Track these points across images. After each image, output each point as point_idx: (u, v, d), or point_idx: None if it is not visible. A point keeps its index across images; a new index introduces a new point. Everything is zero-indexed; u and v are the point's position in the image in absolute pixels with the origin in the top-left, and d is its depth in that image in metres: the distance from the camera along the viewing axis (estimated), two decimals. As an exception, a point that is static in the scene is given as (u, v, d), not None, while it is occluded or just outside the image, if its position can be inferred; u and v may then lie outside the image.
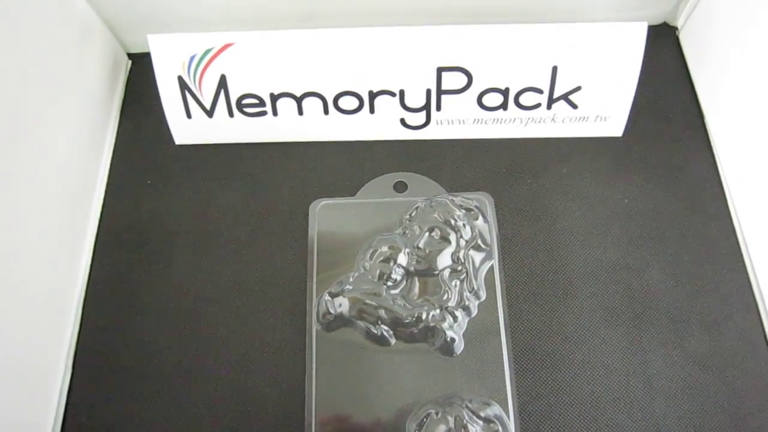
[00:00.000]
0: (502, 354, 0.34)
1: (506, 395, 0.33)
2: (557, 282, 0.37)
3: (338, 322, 0.35)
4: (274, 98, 0.39)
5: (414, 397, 0.33)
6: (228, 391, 0.34)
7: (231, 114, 0.40)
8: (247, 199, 0.40)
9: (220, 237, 0.39)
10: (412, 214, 0.37)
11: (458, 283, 0.35)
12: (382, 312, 0.34)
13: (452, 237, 0.36)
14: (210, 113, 0.40)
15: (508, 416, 0.33)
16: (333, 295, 0.35)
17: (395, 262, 0.35)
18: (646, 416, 0.33)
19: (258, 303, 0.37)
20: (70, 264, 0.37)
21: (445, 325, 0.34)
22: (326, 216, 0.38)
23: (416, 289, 0.35)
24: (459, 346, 0.34)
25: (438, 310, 0.34)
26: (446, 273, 0.35)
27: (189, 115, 0.40)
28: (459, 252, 0.36)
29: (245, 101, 0.39)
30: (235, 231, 0.39)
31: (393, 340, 0.34)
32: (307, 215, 0.39)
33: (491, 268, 0.36)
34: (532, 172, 0.40)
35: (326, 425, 0.33)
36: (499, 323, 0.35)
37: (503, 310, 0.35)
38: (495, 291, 0.36)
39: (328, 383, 0.34)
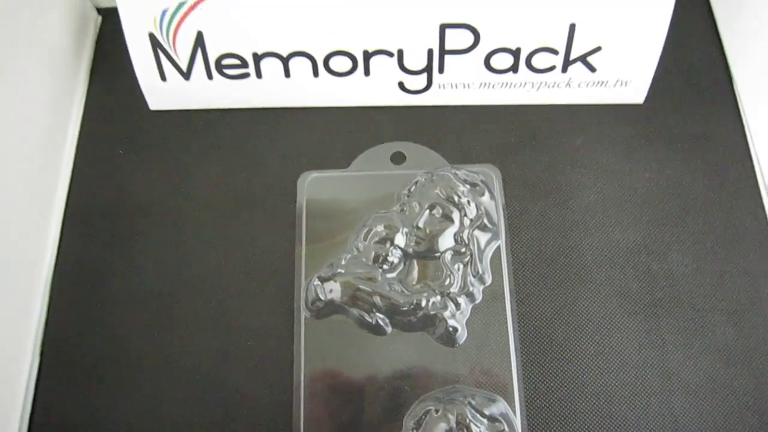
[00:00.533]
0: (508, 344, 0.33)
1: (512, 389, 0.32)
2: (570, 265, 0.36)
3: (329, 309, 0.33)
4: (258, 58, 0.37)
5: (411, 391, 0.32)
6: (209, 382, 0.33)
7: (210, 76, 0.38)
8: (229, 171, 0.38)
9: (199, 213, 0.37)
10: (411, 190, 0.36)
11: (461, 266, 0.34)
12: (377, 298, 0.33)
13: (455, 215, 0.35)
14: (186, 75, 0.38)
15: (514, 411, 0.32)
16: (323, 280, 0.33)
17: (392, 243, 0.34)
18: (664, 412, 0.32)
19: (241, 287, 0.35)
20: (35, 244, 0.35)
21: (447, 313, 0.33)
22: (316, 190, 0.37)
23: (415, 273, 0.34)
24: (461, 336, 0.33)
25: (439, 297, 0.33)
26: (448, 255, 0.34)
27: (163, 78, 0.38)
28: (462, 232, 0.35)
29: (225, 62, 0.37)
30: (216, 206, 0.37)
31: (389, 329, 0.33)
32: (295, 189, 0.37)
33: (498, 249, 0.35)
34: (544, 142, 0.39)
35: (315, 420, 0.32)
36: (505, 310, 0.34)
37: (510, 296, 0.34)
38: (501, 275, 0.35)
39: (318, 375, 0.32)
